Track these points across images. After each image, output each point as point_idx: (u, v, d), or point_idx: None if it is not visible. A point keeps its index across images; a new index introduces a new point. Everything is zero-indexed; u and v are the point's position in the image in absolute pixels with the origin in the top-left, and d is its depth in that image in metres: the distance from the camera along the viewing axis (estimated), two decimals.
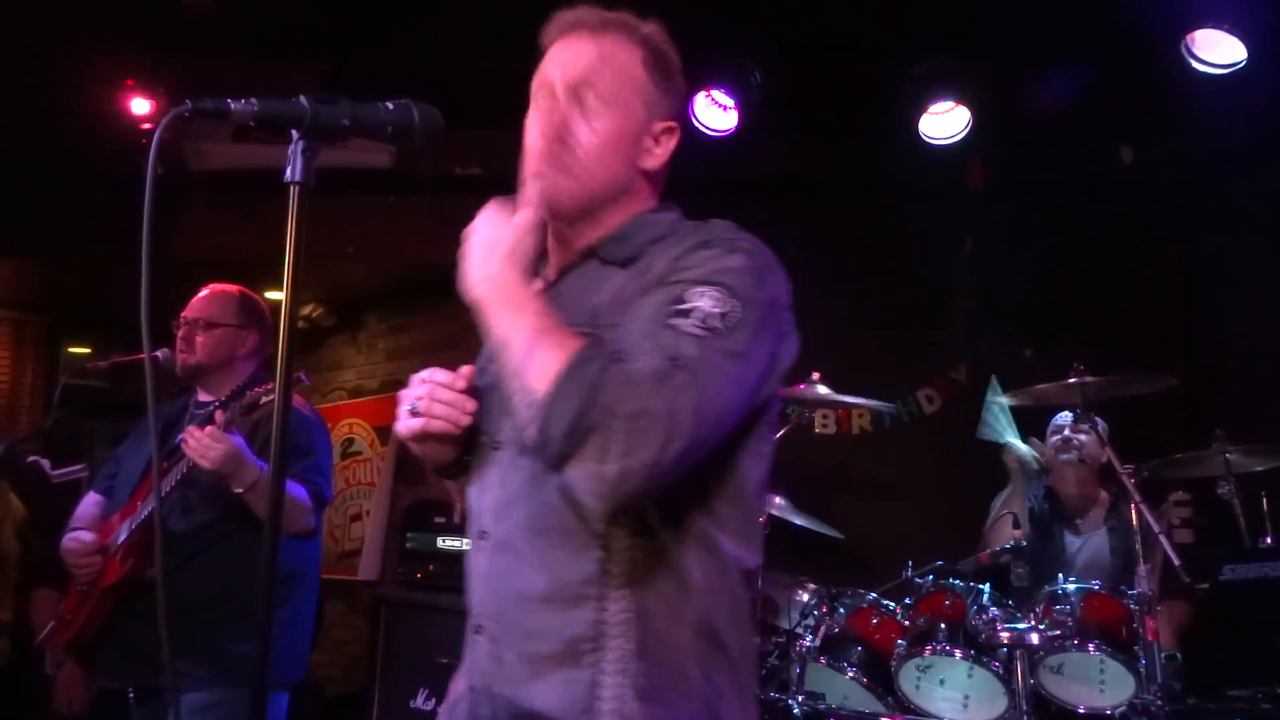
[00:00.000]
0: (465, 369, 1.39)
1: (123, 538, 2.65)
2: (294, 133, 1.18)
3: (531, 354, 1.21)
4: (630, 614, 1.27)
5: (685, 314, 1.22)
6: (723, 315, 1.23)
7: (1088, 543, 3.53)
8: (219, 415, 2.48)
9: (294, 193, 1.16)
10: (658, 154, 1.43)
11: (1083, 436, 3.47)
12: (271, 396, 2.59)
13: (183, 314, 2.84)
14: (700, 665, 1.30)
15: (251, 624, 2.51)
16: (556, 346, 1.21)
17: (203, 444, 2.45)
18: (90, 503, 2.91)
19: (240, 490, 2.49)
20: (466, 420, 1.37)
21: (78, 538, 2.69)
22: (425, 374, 1.38)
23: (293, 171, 1.17)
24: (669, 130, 1.44)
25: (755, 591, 1.41)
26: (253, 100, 1.16)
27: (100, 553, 2.67)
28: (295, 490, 2.60)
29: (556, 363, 1.18)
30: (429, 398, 1.36)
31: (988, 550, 3.26)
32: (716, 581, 1.32)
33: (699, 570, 1.31)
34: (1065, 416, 3.56)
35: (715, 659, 1.31)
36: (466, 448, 1.44)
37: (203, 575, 2.56)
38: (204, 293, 2.91)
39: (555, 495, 1.29)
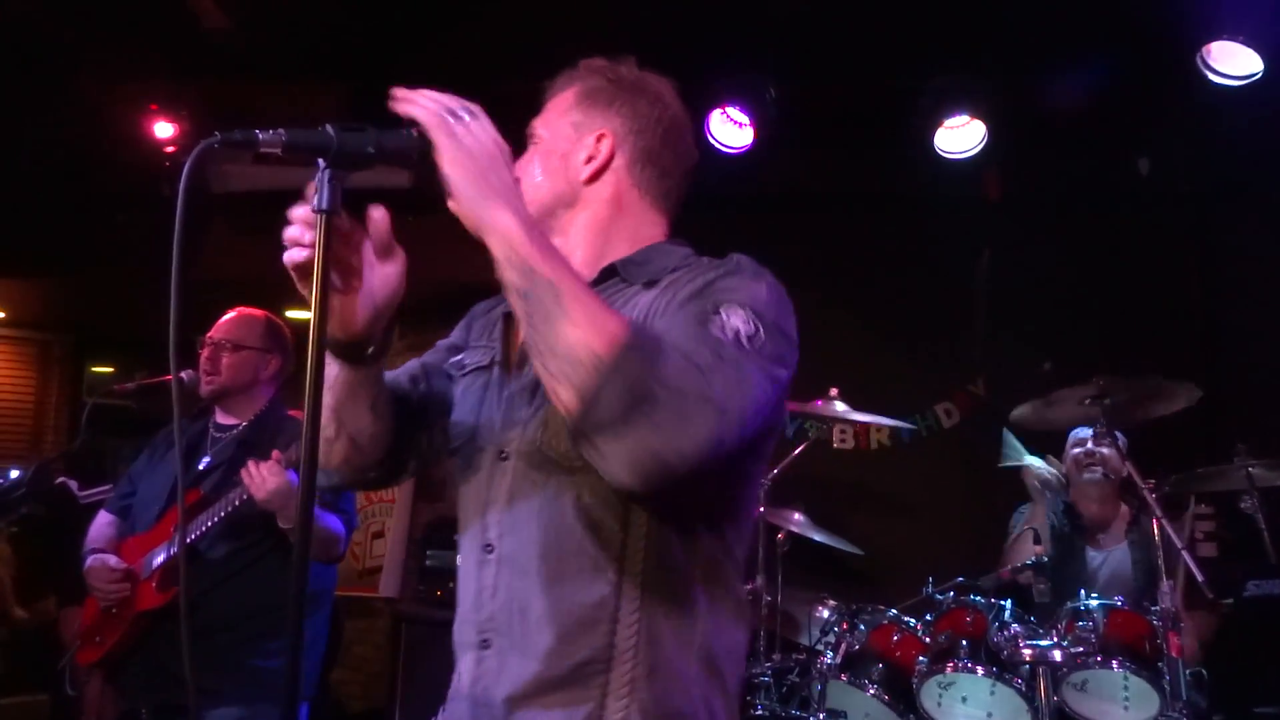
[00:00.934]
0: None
1: (158, 562, 2.68)
2: (320, 161, 1.19)
3: (589, 310, 1.17)
4: (641, 638, 1.28)
5: (720, 326, 1.24)
6: (750, 336, 1.25)
7: (1109, 558, 3.49)
8: (276, 454, 2.53)
9: (321, 221, 1.18)
10: (592, 163, 1.47)
11: (1105, 450, 3.43)
12: None
13: (208, 335, 2.87)
14: (703, 693, 1.31)
15: (278, 641, 2.56)
16: (610, 311, 1.19)
17: (259, 477, 2.50)
18: (104, 523, 2.92)
19: (287, 526, 2.54)
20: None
21: (104, 561, 2.71)
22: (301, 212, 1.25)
23: (320, 200, 1.18)
24: (603, 138, 1.48)
25: (749, 621, 1.42)
26: (280, 130, 1.17)
27: (127, 577, 2.70)
28: (332, 521, 2.66)
29: (620, 326, 1.16)
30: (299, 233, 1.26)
31: (1009, 566, 3.23)
32: (719, 608, 1.34)
33: (705, 596, 1.32)
34: (1084, 431, 3.51)
35: (714, 687, 1.32)
36: (382, 339, 1.36)
37: (234, 596, 2.60)
38: (231, 315, 2.93)
39: (572, 515, 1.30)
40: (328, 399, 1.36)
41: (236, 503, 2.55)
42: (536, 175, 1.47)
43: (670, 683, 1.28)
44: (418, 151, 1.24)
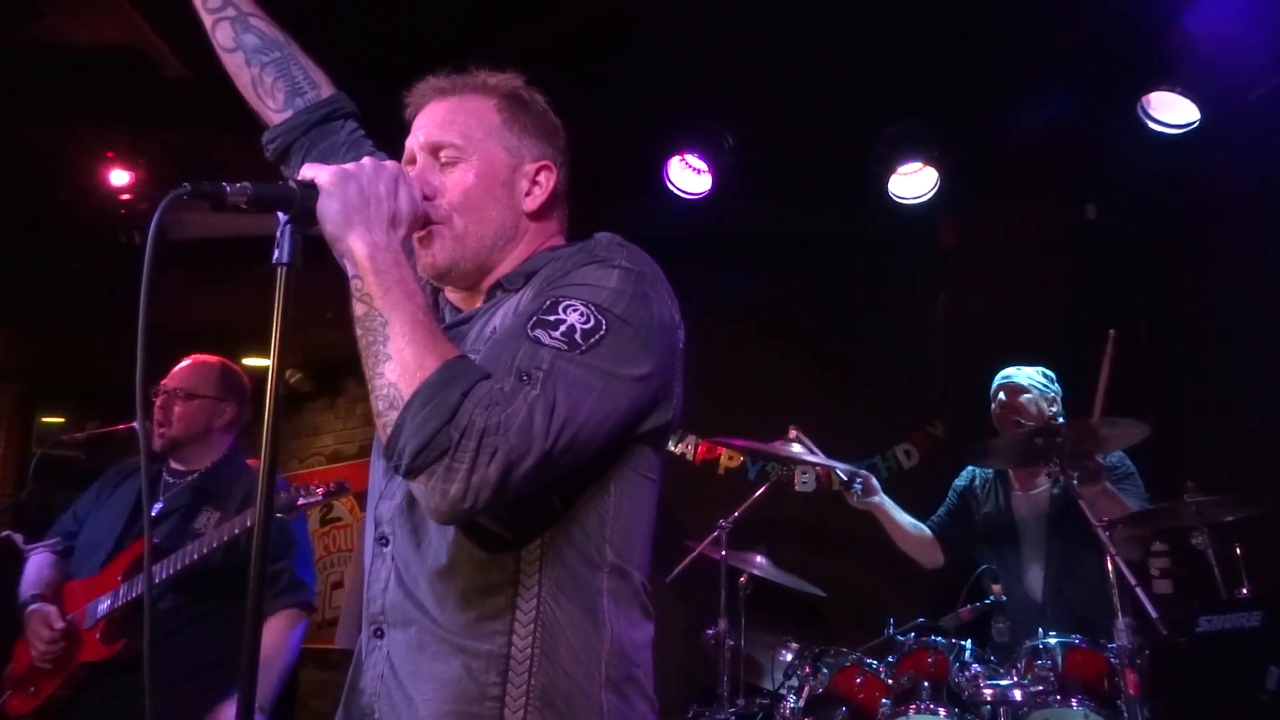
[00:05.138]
0: None
1: (103, 610, 2.60)
2: (281, 215, 1.20)
3: (407, 345, 1.18)
4: (538, 650, 1.26)
5: (551, 326, 1.23)
6: (588, 331, 1.23)
7: (1031, 499, 3.51)
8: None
9: (281, 274, 1.18)
10: (537, 194, 1.47)
11: (1020, 400, 3.49)
12: (310, 499, 2.55)
13: (162, 383, 2.83)
14: (616, 701, 1.29)
15: (225, 698, 2.48)
16: (432, 349, 1.19)
17: None
18: (44, 564, 2.81)
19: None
20: None
21: (46, 619, 2.61)
22: None
23: (281, 253, 1.19)
24: (544, 169, 1.47)
25: (652, 614, 1.41)
26: (246, 185, 1.17)
27: (66, 635, 2.61)
28: (290, 639, 2.66)
29: (427, 368, 1.17)
30: None
31: (967, 606, 3.26)
32: (630, 614, 1.33)
33: (610, 602, 1.31)
34: (1010, 376, 3.58)
35: (633, 702, 1.31)
36: None
37: (185, 648, 2.54)
38: (185, 363, 2.90)
39: (459, 528, 1.29)
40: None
41: (195, 556, 2.50)
42: (478, 198, 1.42)
43: (574, 696, 1.26)
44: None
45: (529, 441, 1.15)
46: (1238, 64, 3.59)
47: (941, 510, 3.76)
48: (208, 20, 1.69)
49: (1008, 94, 4.02)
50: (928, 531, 3.67)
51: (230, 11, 1.69)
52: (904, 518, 3.66)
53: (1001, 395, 3.56)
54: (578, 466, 1.25)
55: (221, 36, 1.69)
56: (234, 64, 1.70)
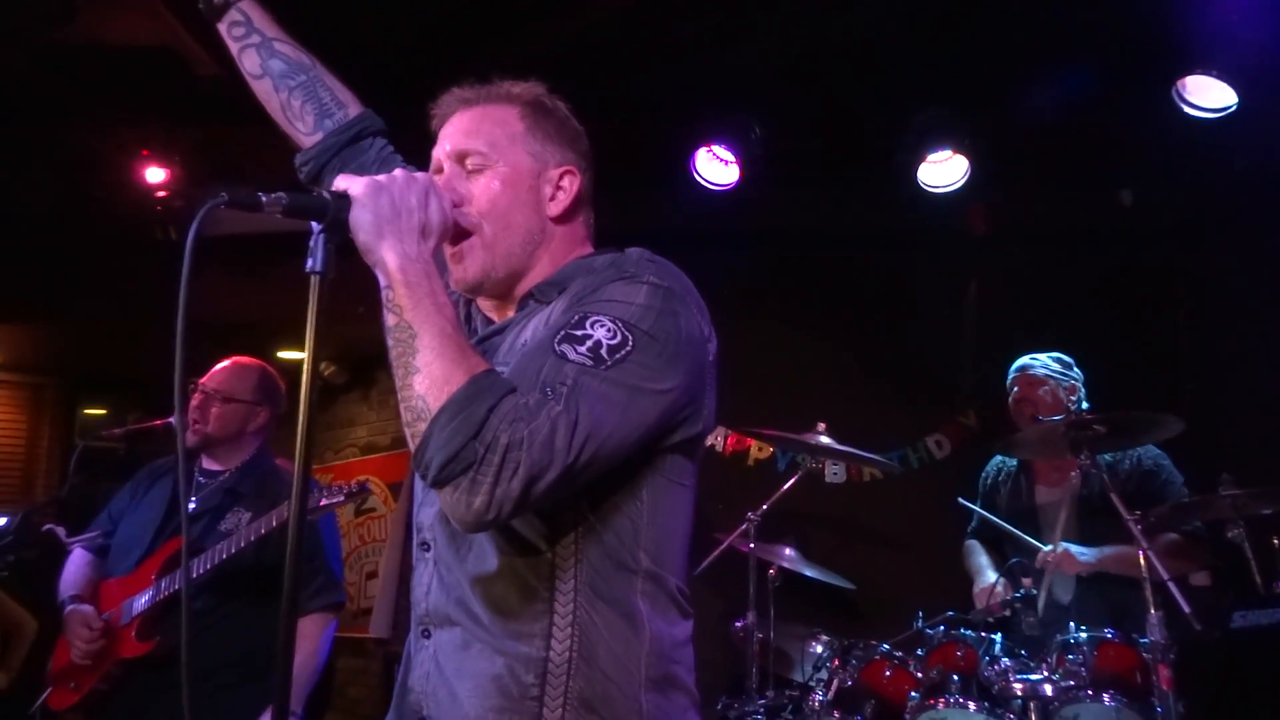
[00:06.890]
0: None
1: (139, 608, 2.66)
2: (314, 225, 1.22)
3: (436, 359, 1.20)
4: (576, 654, 1.28)
5: (578, 341, 1.25)
6: (614, 347, 1.25)
7: (1056, 494, 3.47)
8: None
9: (315, 283, 1.19)
10: (561, 198, 1.48)
11: (1038, 391, 3.45)
12: (333, 499, 2.58)
13: (201, 380, 2.87)
14: (656, 699, 1.30)
15: (251, 689, 2.52)
16: (460, 363, 1.20)
17: None
18: (81, 563, 2.89)
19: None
20: None
21: (83, 616, 2.68)
22: None
23: (314, 262, 1.21)
24: (568, 174, 1.49)
25: (690, 612, 1.42)
26: (281, 194, 1.20)
27: (105, 634, 2.67)
28: (323, 641, 2.68)
29: (455, 383, 1.18)
30: None
31: (998, 600, 3.23)
32: (667, 614, 1.35)
33: (646, 604, 1.33)
34: (1026, 366, 3.54)
35: (670, 694, 1.32)
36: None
37: (211, 646, 2.59)
38: (225, 365, 2.94)
39: (495, 533, 1.31)
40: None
41: (224, 555, 2.55)
42: (505, 205, 1.44)
43: (614, 698, 1.27)
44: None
45: (550, 457, 1.16)
46: (1275, 46, 3.50)
47: (974, 514, 3.71)
48: (234, 48, 1.73)
49: (1039, 79, 3.96)
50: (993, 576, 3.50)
51: (255, 38, 1.71)
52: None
53: (1017, 387, 3.52)
54: (608, 475, 1.27)
55: (248, 64, 1.72)
56: (263, 90, 1.74)
